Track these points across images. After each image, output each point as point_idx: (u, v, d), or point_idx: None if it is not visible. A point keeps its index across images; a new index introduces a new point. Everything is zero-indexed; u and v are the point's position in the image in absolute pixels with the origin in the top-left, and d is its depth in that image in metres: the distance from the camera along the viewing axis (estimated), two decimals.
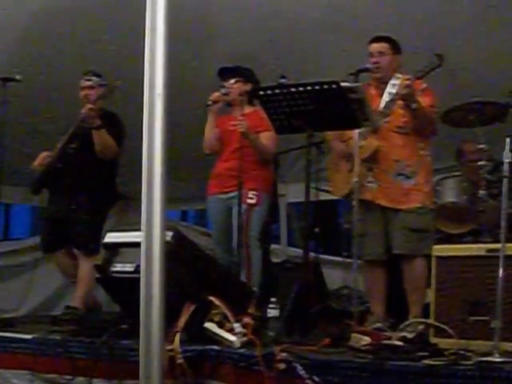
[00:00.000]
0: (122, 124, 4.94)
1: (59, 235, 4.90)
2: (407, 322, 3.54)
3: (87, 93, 4.85)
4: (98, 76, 4.92)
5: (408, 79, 3.89)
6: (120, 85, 4.67)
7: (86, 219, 4.77)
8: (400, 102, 4.02)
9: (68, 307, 4.77)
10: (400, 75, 4.06)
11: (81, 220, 4.77)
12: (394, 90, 4.07)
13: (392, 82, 4.12)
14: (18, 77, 4.54)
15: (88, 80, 4.89)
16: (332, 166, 4.39)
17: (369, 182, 4.11)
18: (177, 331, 3.10)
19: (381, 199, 4.10)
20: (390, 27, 4.55)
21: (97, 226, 4.84)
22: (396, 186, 4.08)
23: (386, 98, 4.14)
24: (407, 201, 4.06)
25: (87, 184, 4.79)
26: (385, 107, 4.10)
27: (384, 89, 4.17)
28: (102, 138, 4.70)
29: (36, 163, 4.91)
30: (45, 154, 4.93)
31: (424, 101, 4.01)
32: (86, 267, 4.75)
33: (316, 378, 2.71)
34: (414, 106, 3.92)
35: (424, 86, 4.10)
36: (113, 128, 4.80)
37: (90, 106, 4.65)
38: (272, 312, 3.38)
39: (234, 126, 4.62)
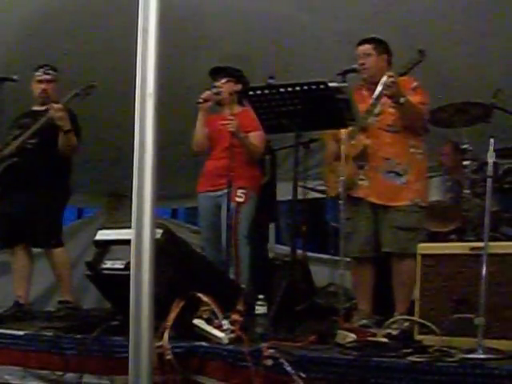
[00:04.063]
0: (76, 118, 4.80)
1: (17, 231, 4.76)
2: (392, 319, 3.59)
3: (45, 87, 4.75)
4: (55, 70, 4.80)
5: (391, 76, 3.91)
6: (96, 85, 4.59)
7: (44, 216, 4.69)
8: (388, 101, 4.05)
9: (60, 302, 4.78)
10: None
11: (38, 218, 4.68)
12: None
13: (382, 81, 4.16)
14: (14, 77, 4.53)
15: (47, 73, 4.76)
16: (327, 166, 4.41)
17: (361, 180, 4.13)
18: (166, 328, 3.12)
19: (372, 196, 4.11)
20: (375, 28, 4.59)
21: (55, 220, 4.81)
22: (387, 183, 4.09)
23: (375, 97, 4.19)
24: (397, 198, 4.06)
25: (44, 180, 4.70)
26: (371, 105, 4.14)
27: (375, 89, 4.21)
28: (69, 141, 4.65)
29: None
30: None
31: (414, 99, 4.03)
32: (57, 261, 4.75)
33: (302, 374, 2.74)
34: (402, 100, 3.93)
35: (415, 84, 4.12)
36: (73, 124, 4.71)
37: (59, 106, 4.54)
38: (260, 309, 3.40)
39: (224, 125, 4.66)
